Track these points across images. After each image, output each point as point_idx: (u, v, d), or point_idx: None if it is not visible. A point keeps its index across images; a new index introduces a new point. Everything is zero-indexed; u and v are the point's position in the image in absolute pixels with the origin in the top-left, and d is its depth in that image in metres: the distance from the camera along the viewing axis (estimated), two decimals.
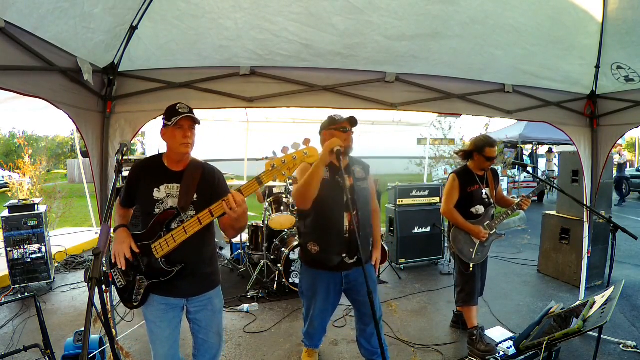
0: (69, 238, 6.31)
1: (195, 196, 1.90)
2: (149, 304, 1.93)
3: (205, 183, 1.94)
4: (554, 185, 3.95)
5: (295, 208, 2.56)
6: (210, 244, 2.03)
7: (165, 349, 1.94)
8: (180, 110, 1.84)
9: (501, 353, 2.87)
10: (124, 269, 1.86)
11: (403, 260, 5.26)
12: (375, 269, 2.52)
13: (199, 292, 1.98)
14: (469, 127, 12.38)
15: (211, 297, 2.02)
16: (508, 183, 10.81)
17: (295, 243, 4.16)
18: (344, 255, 2.38)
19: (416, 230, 5.34)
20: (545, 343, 2.33)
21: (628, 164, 11.70)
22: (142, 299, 1.90)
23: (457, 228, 3.06)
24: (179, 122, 1.84)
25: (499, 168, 9.99)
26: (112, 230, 1.94)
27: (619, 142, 5.66)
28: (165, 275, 1.86)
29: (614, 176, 11.04)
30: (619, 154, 11.91)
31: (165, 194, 1.89)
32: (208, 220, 1.77)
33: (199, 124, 1.91)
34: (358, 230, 2.36)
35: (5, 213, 4.37)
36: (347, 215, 2.36)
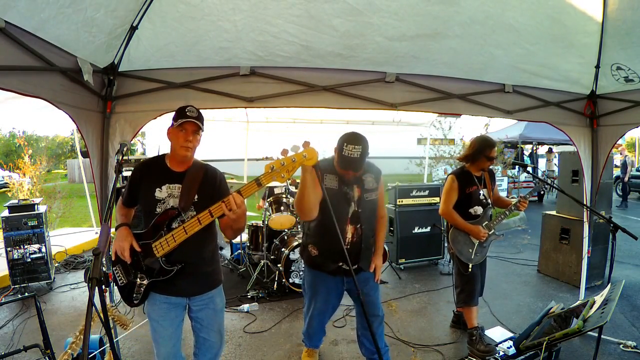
0: (69, 238, 6.31)
1: (196, 197, 1.91)
2: (152, 302, 1.94)
3: (207, 184, 1.95)
4: (554, 185, 3.95)
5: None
6: (210, 244, 2.04)
7: (167, 348, 1.96)
8: (187, 114, 1.84)
9: (501, 353, 2.87)
10: (129, 262, 1.87)
11: (403, 260, 5.26)
12: (376, 275, 2.51)
13: (200, 291, 1.99)
14: (469, 127, 12.37)
15: (213, 296, 2.03)
16: (508, 183, 10.81)
17: (296, 243, 4.16)
18: (341, 264, 2.38)
19: (416, 230, 5.34)
20: (545, 343, 2.33)
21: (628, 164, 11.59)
22: (142, 297, 1.91)
23: (456, 229, 3.06)
24: (183, 124, 1.84)
25: (498, 168, 9.99)
26: (113, 229, 1.95)
27: (619, 142, 5.65)
28: (165, 275, 1.87)
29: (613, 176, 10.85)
30: (620, 153, 11.88)
31: (167, 194, 1.90)
32: (207, 220, 1.78)
33: (202, 130, 1.90)
34: (360, 243, 2.38)
35: (5, 213, 4.37)
36: (350, 228, 2.35)
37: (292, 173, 1.69)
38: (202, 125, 1.89)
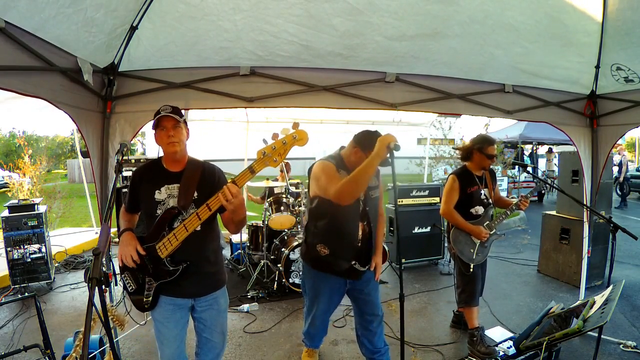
0: (69, 238, 6.31)
1: (195, 194, 1.91)
2: (158, 304, 1.94)
3: (205, 181, 1.95)
4: (554, 185, 3.95)
5: (308, 206, 2.49)
6: (212, 243, 2.04)
7: (172, 349, 1.96)
8: (161, 112, 1.84)
9: (501, 353, 2.87)
10: (133, 267, 1.87)
11: (403, 260, 5.26)
12: (377, 274, 2.50)
13: (205, 292, 1.99)
14: (469, 127, 12.32)
15: (217, 296, 2.04)
16: (508, 183, 10.81)
17: (296, 243, 4.15)
18: (354, 262, 2.36)
19: (416, 230, 5.34)
20: (545, 343, 2.33)
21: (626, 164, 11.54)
22: (152, 300, 1.91)
23: (457, 229, 3.06)
24: (160, 123, 1.84)
25: (498, 168, 9.99)
26: (114, 230, 1.95)
27: (619, 142, 5.64)
28: (172, 275, 1.88)
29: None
30: (619, 154, 11.84)
31: (166, 195, 1.91)
32: (206, 214, 1.78)
33: (179, 121, 1.88)
34: (368, 241, 2.36)
35: (5, 213, 4.37)
36: (361, 225, 2.34)
37: (284, 156, 1.68)
38: (180, 117, 1.88)
